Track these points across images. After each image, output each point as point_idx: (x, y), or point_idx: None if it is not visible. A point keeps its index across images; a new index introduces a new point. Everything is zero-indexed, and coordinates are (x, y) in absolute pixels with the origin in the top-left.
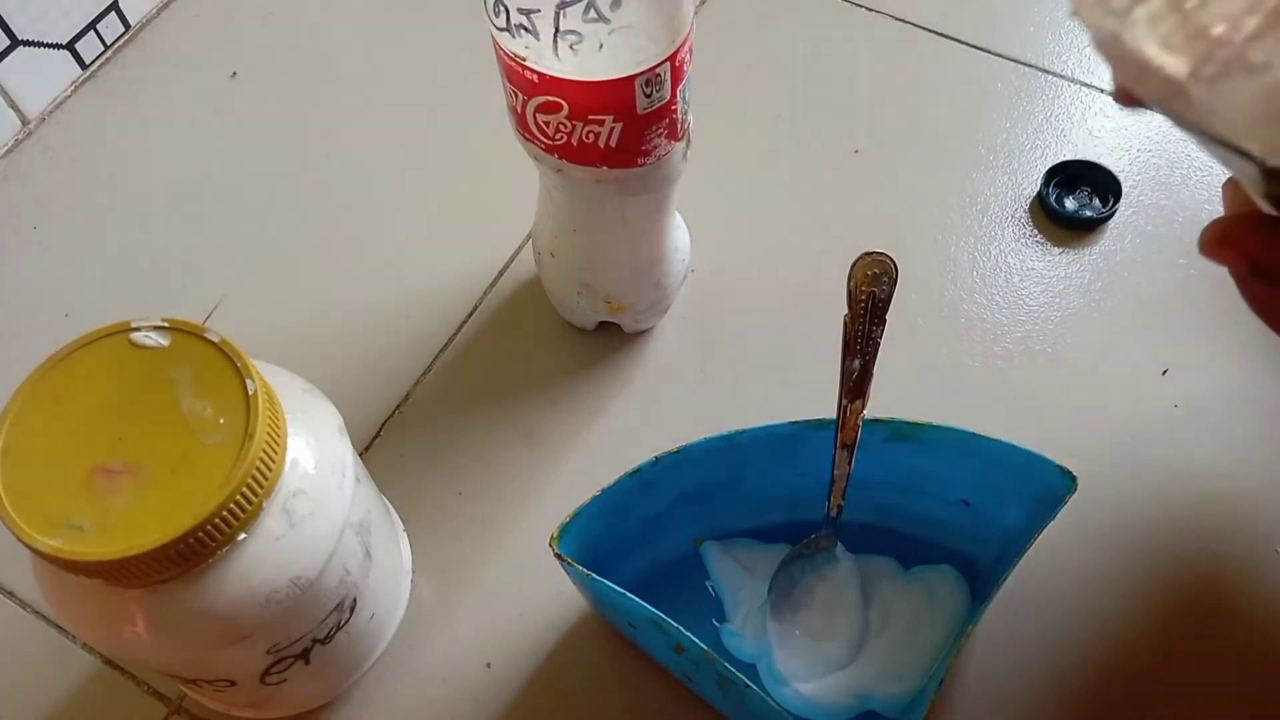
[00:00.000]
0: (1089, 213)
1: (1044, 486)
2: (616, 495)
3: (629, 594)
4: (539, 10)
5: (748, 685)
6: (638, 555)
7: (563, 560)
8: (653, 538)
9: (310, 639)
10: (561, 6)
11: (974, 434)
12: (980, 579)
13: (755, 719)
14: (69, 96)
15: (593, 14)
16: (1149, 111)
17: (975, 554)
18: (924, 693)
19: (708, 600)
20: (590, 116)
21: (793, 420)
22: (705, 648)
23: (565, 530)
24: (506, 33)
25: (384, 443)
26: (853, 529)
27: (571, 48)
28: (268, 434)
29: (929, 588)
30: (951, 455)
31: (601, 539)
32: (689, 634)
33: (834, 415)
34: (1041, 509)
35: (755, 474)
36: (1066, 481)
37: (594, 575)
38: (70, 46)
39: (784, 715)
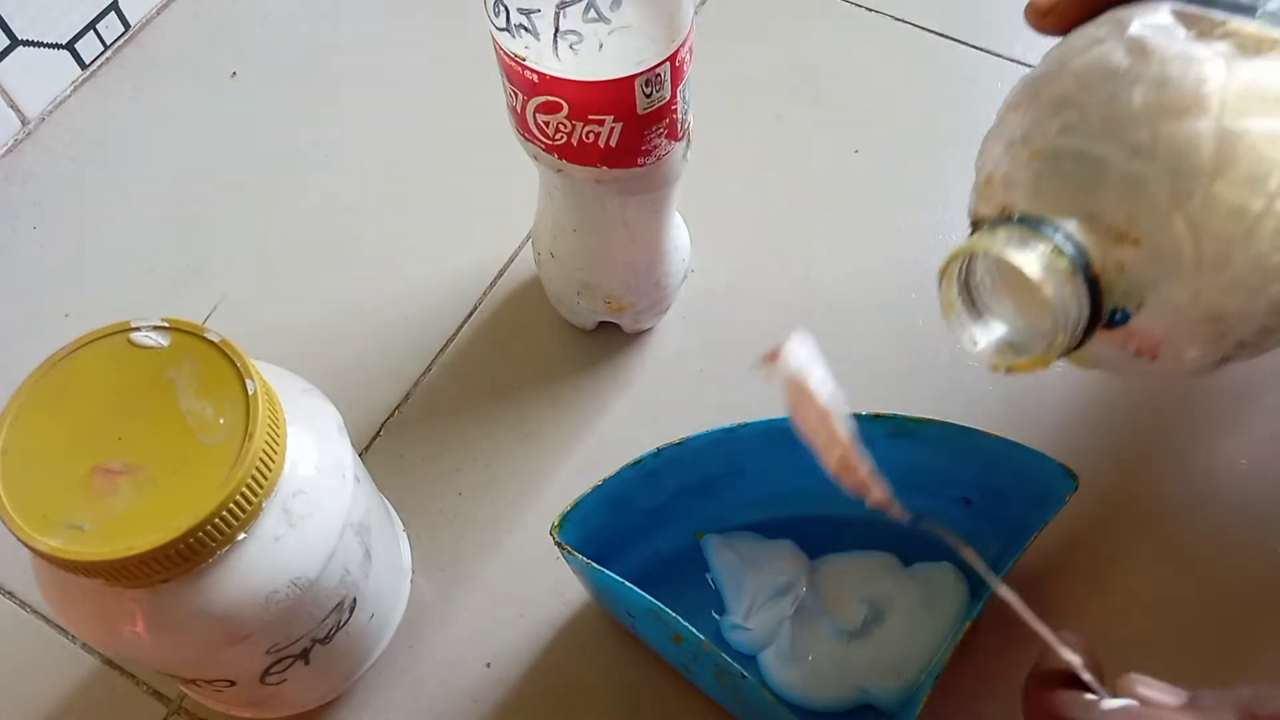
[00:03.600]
0: None
1: (1045, 485)
2: (617, 486)
3: (627, 583)
4: (539, 10)
5: (744, 676)
6: (638, 546)
7: (563, 548)
8: (654, 529)
9: (310, 639)
10: (561, 6)
11: (976, 431)
12: (980, 577)
13: (752, 710)
14: (69, 96)
15: (593, 14)
16: None
17: (975, 551)
18: (921, 687)
19: (708, 593)
20: (590, 116)
21: None
22: (702, 637)
23: (566, 519)
24: (506, 33)
25: (384, 443)
26: (853, 525)
27: (571, 48)
28: (267, 434)
29: (928, 584)
30: (953, 452)
31: (602, 529)
32: (686, 624)
33: None
34: (1042, 507)
35: (756, 468)
36: (1068, 480)
37: (593, 564)
38: (70, 46)
39: (779, 707)
